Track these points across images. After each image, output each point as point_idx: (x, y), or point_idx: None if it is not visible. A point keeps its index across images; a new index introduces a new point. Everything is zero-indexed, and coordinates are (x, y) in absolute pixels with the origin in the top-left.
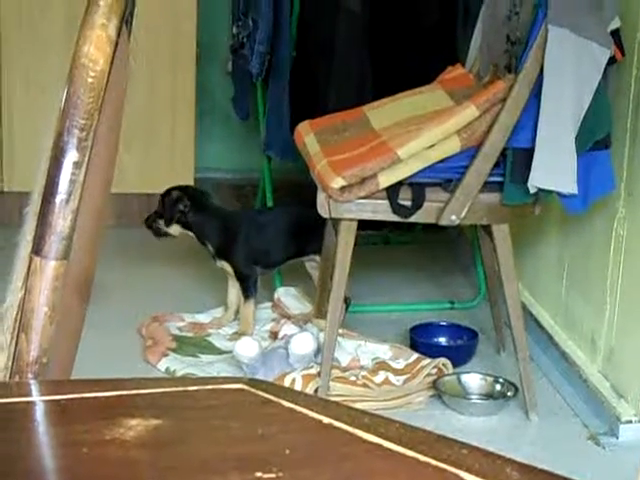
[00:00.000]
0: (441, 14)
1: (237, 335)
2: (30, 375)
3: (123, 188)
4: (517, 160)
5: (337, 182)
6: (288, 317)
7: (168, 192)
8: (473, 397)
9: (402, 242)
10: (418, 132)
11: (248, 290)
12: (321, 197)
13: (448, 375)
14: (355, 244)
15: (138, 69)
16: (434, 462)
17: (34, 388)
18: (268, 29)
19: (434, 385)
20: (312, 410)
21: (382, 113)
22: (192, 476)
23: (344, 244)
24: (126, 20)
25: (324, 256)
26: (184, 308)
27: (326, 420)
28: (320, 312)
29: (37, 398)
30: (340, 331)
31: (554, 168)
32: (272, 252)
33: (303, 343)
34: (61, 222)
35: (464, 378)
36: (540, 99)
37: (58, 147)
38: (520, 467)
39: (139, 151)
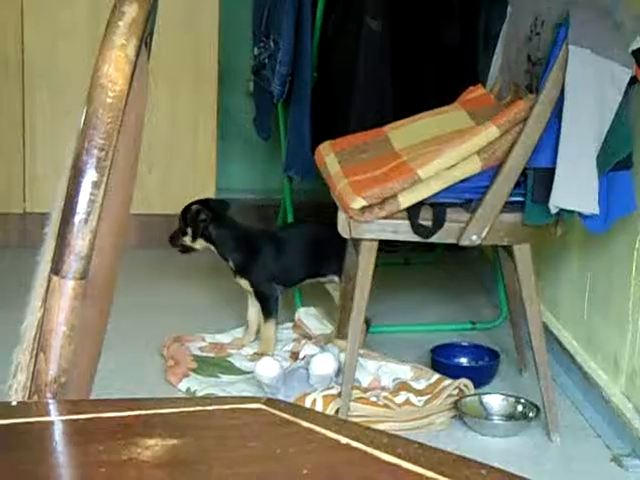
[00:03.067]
0: (462, 34)
1: (258, 355)
2: (49, 395)
3: (145, 209)
4: (538, 180)
5: (358, 202)
6: (309, 337)
7: (188, 207)
8: (495, 418)
9: (423, 262)
10: (439, 152)
11: (269, 309)
12: (342, 217)
13: (469, 396)
14: (376, 265)
15: (160, 90)
16: None
17: (53, 408)
18: (290, 50)
19: (455, 406)
20: (330, 430)
21: (403, 133)
22: None
23: (365, 264)
24: (145, 41)
25: (345, 276)
26: (205, 328)
27: (344, 440)
28: (341, 332)
29: (56, 418)
30: (361, 351)
31: (575, 188)
32: (291, 270)
33: (324, 364)
34: (80, 242)
35: (485, 399)
36: (561, 119)
37: (77, 167)
38: None
39: (161, 172)
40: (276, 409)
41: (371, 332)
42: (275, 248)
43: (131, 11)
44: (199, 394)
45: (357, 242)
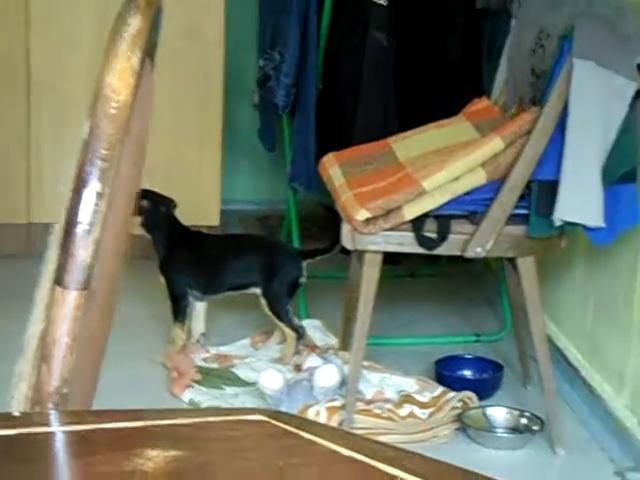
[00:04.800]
0: (466, 47)
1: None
2: (50, 405)
3: None
4: (542, 192)
5: (362, 214)
6: (313, 349)
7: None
8: (498, 431)
9: (427, 274)
10: (443, 164)
11: (177, 311)
12: (345, 229)
13: (473, 408)
14: (381, 277)
15: (165, 101)
16: None
17: (54, 418)
18: (294, 62)
19: (459, 418)
20: (333, 442)
21: (407, 145)
22: None
23: (369, 277)
24: (149, 52)
25: (349, 288)
26: (209, 340)
27: (347, 452)
28: (345, 344)
29: (57, 428)
30: (365, 363)
31: (580, 201)
32: (212, 278)
33: (327, 375)
34: (82, 252)
35: (489, 411)
36: (565, 132)
37: (80, 178)
38: None
39: (165, 183)
40: (279, 421)
41: (375, 344)
42: (201, 253)
43: (136, 22)
44: (202, 406)
45: (361, 254)
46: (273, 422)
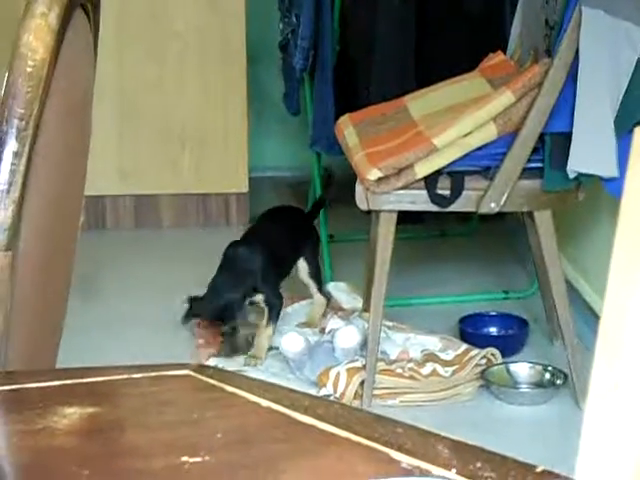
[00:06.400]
0: (489, 3)
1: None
2: None
3: (178, 189)
4: (556, 145)
5: (373, 174)
6: (337, 311)
7: None
8: (522, 386)
9: (459, 234)
10: (454, 120)
11: (273, 316)
12: (359, 189)
13: (496, 365)
14: (411, 238)
15: (189, 69)
16: (366, 442)
17: None
18: (310, 24)
19: (482, 375)
20: (253, 394)
21: (422, 103)
22: (116, 462)
23: (384, 236)
24: (84, 7)
25: (370, 249)
26: None
27: (265, 403)
28: (369, 305)
29: None
30: (390, 324)
31: (593, 152)
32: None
33: (347, 336)
34: (2, 212)
35: (512, 368)
36: (577, 83)
37: None
38: (452, 444)
39: (193, 151)
40: (204, 375)
41: (402, 305)
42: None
43: None
44: None
45: (377, 214)
46: (198, 377)
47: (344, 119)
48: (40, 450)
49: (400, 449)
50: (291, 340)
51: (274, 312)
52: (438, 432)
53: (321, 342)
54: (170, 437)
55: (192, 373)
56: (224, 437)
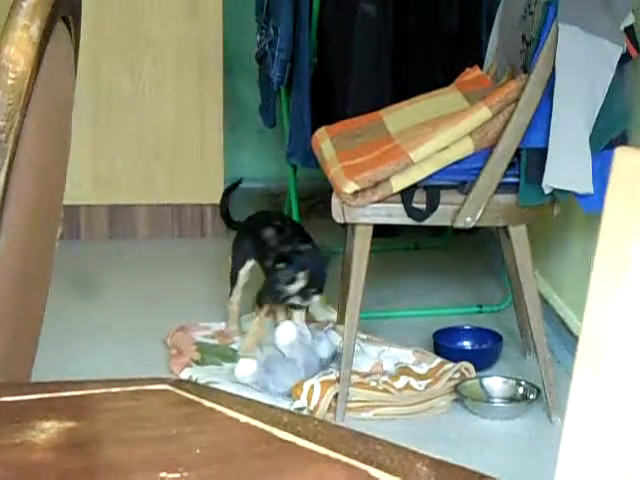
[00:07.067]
0: (465, 18)
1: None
2: None
3: (153, 199)
4: (532, 160)
5: (350, 187)
6: (313, 322)
7: None
8: (495, 401)
9: (432, 247)
10: (430, 134)
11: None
12: (335, 202)
13: (470, 379)
14: (385, 250)
15: (165, 78)
16: (345, 459)
17: None
18: (288, 36)
19: (456, 389)
20: (232, 409)
21: (398, 117)
22: (95, 477)
23: (360, 249)
24: (65, 20)
25: (346, 262)
26: (210, 318)
27: (244, 419)
28: (344, 318)
29: None
30: (364, 336)
31: (569, 168)
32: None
33: (285, 332)
34: None
35: (486, 382)
36: (553, 98)
37: None
38: (431, 462)
39: (168, 162)
40: (182, 390)
41: (377, 317)
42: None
43: None
44: (200, 382)
45: (352, 227)
46: (176, 391)
47: (321, 131)
48: (19, 465)
49: (379, 467)
50: (242, 366)
51: None
52: (417, 449)
53: (273, 356)
54: (149, 452)
55: (170, 388)
56: (203, 453)
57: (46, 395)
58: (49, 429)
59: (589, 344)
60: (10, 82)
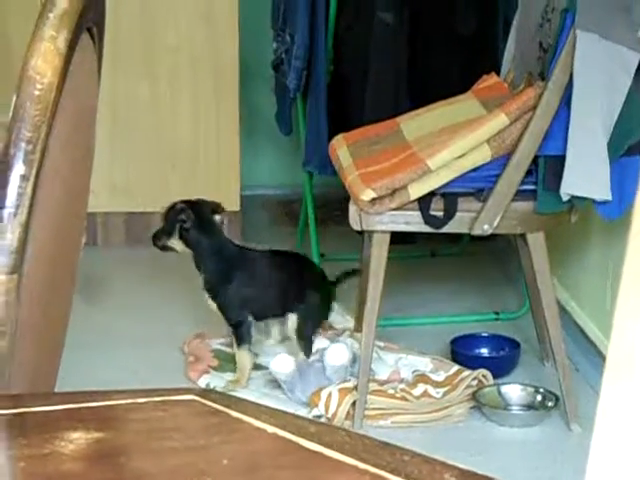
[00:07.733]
0: (482, 24)
1: (232, 384)
2: None
3: None
4: (549, 168)
5: (367, 194)
6: (330, 330)
7: (173, 205)
8: (513, 408)
9: (449, 254)
10: (448, 142)
11: (240, 337)
12: (352, 210)
13: (488, 386)
14: (402, 257)
15: (181, 87)
16: (373, 469)
17: None
18: (304, 44)
19: (473, 397)
20: (259, 420)
21: (415, 124)
22: None
23: (377, 256)
24: (90, 31)
25: (363, 269)
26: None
27: (271, 430)
28: (361, 326)
29: None
30: (381, 344)
31: (586, 175)
32: (265, 302)
33: (337, 354)
34: (9, 236)
35: (504, 389)
36: (570, 106)
37: (5, 160)
38: (460, 473)
39: (184, 170)
40: (208, 400)
41: (394, 325)
42: (254, 274)
43: (62, 2)
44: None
45: (370, 234)
46: (202, 401)
47: (338, 139)
48: (48, 476)
49: (408, 477)
50: (281, 361)
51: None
52: (445, 459)
53: (310, 362)
54: (177, 463)
55: (197, 398)
56: (230, 463)
57: (74, 405)
58: (77, 439)
59: (618, 353)
60: (37, 93)
